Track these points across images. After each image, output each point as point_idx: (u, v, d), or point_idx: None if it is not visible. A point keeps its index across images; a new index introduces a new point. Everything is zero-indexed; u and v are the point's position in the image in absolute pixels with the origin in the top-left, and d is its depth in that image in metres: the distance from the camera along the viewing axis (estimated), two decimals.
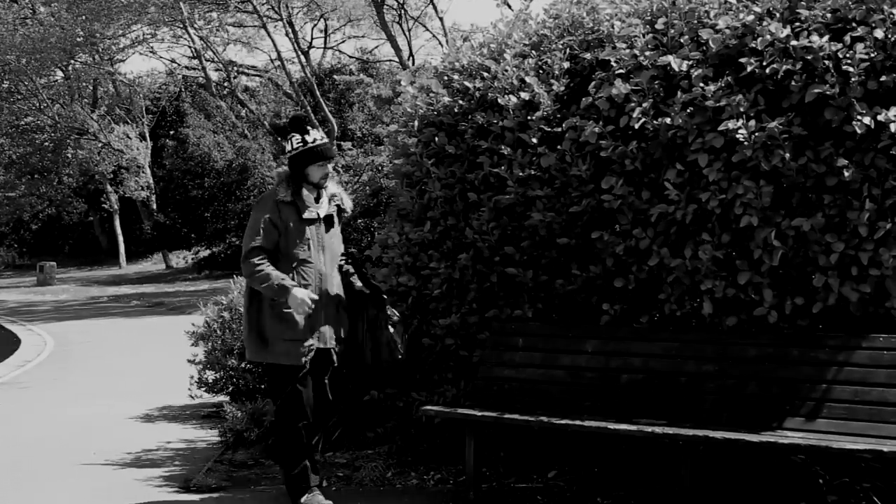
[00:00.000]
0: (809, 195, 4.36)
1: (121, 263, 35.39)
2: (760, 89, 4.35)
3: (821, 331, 4.49)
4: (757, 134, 4.22)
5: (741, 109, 4.27)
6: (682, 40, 4.59)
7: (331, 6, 33.21)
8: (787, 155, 4.22)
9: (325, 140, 4.83)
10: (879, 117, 4.08)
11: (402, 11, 31.02)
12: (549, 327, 5.10)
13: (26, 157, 35.58)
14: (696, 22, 4.62)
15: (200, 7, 28.03)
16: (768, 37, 4.28)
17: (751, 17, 4.43)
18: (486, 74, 5.27)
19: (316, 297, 4.65)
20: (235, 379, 7.36)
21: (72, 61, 31.65)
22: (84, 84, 34.41)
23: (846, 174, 4.16)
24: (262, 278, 4.60)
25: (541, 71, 5.12)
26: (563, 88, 4.99)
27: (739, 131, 4.23)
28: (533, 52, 5.26)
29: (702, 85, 4.38)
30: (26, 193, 35.92)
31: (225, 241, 28.61)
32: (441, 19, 29.81)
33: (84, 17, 26.71)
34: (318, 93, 28.01)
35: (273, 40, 27.48)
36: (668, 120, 4.45)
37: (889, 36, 4.17)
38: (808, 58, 4.21)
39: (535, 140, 4.93)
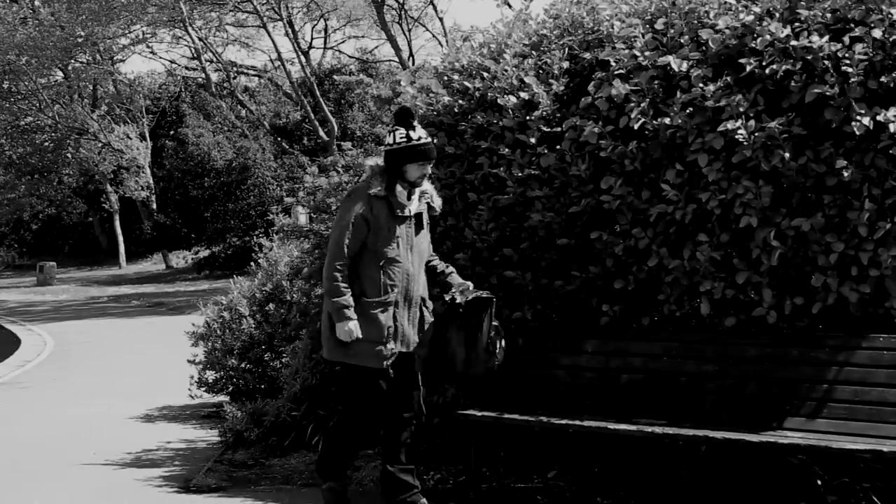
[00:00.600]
0: (809, 195, 4.36)
1: (121, 263, 35.41)
2: (760, 89, 4.35)
3: (820, 331, 4.49)
4: (757, 134, 4.22)
5: (741, 109, 4.27)
6: (681, 40, 4.59)
7: (331, 6, 33.27)
8: (787, 155, 4.22)
9: (430, 139, 4.58)
10: (879, 117, 4.08)
11: (402, 11, 31.04)
12: (549, 327, 5.10)
13: (26, 158, 35.55)
14: (695, 22, 4.62)
15: (200, 7, 28.01)
16: (768, 37, 4.28)
17: (750, 18, 4.43)
18: (485, 74, 5.27)
19: (359, 335, 4.41)
20: (235, 379, 7.37)
21: (72, 61, 31.63)
22: (84, 84, 34.39)
23: (846, 174, 4.16)
24: (335, 291, 4.39)
25: (540, 71, 5.12)
26: (562, 88, 4.99)
27: (739, 131, 4.23)
28: (533, 52, 5.26)
29: (701, 85, 4.38)
30: (26, 194, 35.91)
31: (225, 241, 28.61)
32: (441, 19, 29.94)
33: (84, 17, 26.69)
34: (317, 93, 28.03)
35: (273, 40, 27.48)
36: (667, 120, 4.45)
37: (888, 36, 4.17)
38: (808, 58, 4.21)
39: (534, 140, 4.93)
